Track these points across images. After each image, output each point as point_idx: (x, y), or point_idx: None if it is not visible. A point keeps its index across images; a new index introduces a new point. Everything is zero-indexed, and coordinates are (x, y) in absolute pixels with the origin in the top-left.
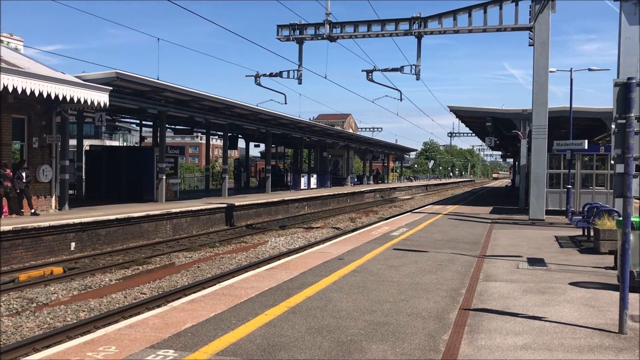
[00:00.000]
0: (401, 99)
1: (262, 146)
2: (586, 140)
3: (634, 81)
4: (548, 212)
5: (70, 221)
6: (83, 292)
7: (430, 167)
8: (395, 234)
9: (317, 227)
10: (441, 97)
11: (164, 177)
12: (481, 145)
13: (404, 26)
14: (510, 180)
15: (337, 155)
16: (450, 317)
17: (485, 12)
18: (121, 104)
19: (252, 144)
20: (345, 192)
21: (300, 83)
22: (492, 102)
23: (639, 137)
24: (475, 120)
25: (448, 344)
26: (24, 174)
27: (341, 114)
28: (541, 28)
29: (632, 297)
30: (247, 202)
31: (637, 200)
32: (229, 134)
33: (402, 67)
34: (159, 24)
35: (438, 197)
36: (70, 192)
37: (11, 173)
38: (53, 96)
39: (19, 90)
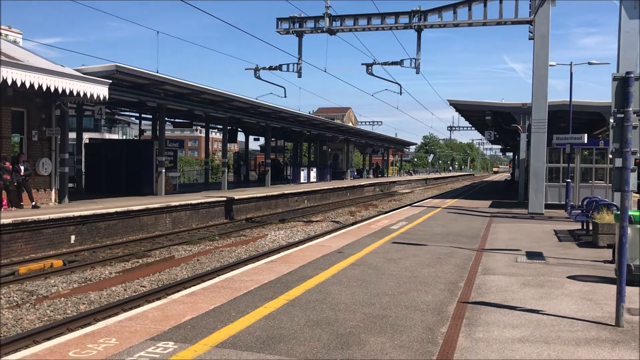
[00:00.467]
0: (401, 93)
1: (262, 140)
2: (586, 135)
3: (632, 75)
4: (547, 206)
5: (70, 214)
6: (83, 284)
7: (429, 161)
8: (395, 228)
9: (316, 221)
10: (441, 90)
11: (164, 170)
12: (481, 139)
13: (404, 19)
14: (509, 174)
15: (337, 149)
16: (448, 310)
17: (485, 5)
18: (121, 97)
19: (251, 138)
20: (345, 185)
21: (300, 76)
22: (492, 96)
23: (638, 131)
24: (475, 114)
25: (446, 337)
26: (22, 167)
27: (341, 107)
28: (541, 22)
29: (629, 290)
30: (247, 196)
31: (637, 194)
32: (228, 128)
33: (402, 60)
34: (159, 17)
35: (437, 190)
36: (70, 185)
37: (10, 166)
38: (52, 89)
39: (19, 83)
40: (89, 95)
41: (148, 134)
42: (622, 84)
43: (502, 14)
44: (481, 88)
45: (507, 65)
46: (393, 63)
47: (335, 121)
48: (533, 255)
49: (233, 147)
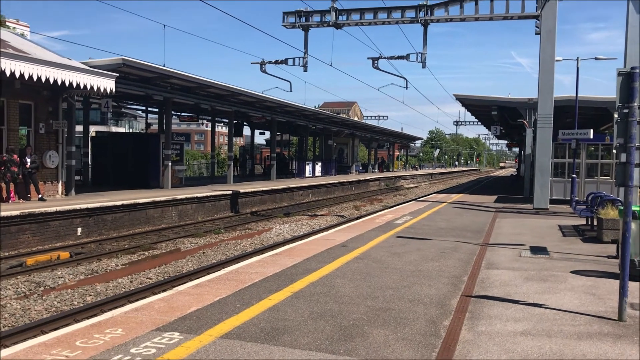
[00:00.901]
0: (407, 87)
1: (267, 134)
2: (592, 130)
3: (637, 71)
4: (552, 201)
5: (77, 206)
6: (89, 276)
7: (435, 155)
8: (399, 222)
9: (321, 215)
10: (447, 85)
11: (170, 163)
12: (487, 134)
13: (411, 14)
14: (515, 170)
15: (342, 143)
16: (451, 303)
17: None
18: (127, 90)
19: (257, 132)
20: (350, 180)
21: (305, 70)
22: (498, 91)
23: None
24: (481, 108)
25: (449, 329)
26: (28, 160)
27: (347, 101)
28: (548, 16)
29: (632, 285)
30: (252, 190)
31: None
32: (234, 122)
33: (408, 54)
34: (165, 11)
35: (443, 185)
36: (77, 178)
37: (18, 159)
38: (60, 82)
39: (26, 76)
40: (95, 89)
41: (155, 127)
42: (627, 79)
43: (508, 9)
44: (487, 83)
45: (514, 60)
46: (399, 57)
47: (341, 115)
48: (537, 250)
49: (239, 141)
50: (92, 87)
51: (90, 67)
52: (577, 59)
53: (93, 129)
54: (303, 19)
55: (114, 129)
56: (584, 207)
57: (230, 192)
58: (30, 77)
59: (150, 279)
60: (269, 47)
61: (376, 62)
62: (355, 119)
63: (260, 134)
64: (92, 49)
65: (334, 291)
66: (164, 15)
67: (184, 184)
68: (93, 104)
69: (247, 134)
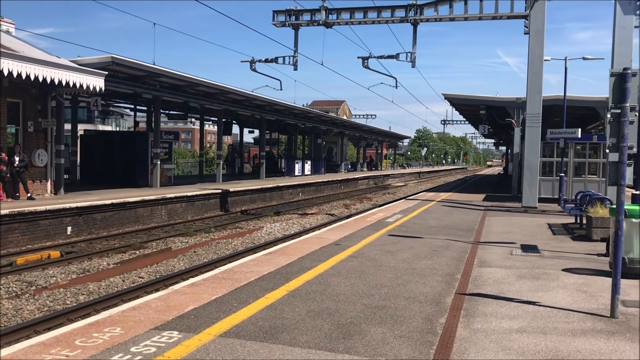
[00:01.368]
0: (396, 87)
1: (256, 132)
2: (579, 129)
3: (629, 72)
4: (541, 200)
5: (67, 205)
6: (81, 275)
7: (423, 154)
8: (390, 221)
9: (311, 214)
10: (435, 84)
11: (159, 162)
12: (474, 133)
13: (400, 13)
14: (502, 168)
15: (331, 142)
16: (446, 301)
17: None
18: (116, 88)
19: (246, 130)
20: (339, 178)
21: (295, 69)
22: (486, 90)
23: (636, 127)
24: (469, 108)
25: (445, 327)
26: (16, 159)
27: (335, 100)
28: (537, 16)
29: (624, 282)
30: (242, 188)
31: (630, 189)
32: (223, 120)
33: (398, 54)
34: (155, 9)
35: (431, 184)
36: (65, 176)
37: (6, 157)
38: (49, 80)
39: (15, 74)
40: (85, 87)
41: (142, 125)
42: (620, 80)
43: (497, 9)
44: (475, 82)
45: (501, 59)
46: (389, 57)
47: (330, 114)
48: (528, 248)
49: (227, 140)
50: (81, 86)
51: (80, 65)
52: (565, 59)
53: (80, 128)
54: (293, 17)
55: (100, 127)
56: (573, 205)
57: (219, 191)
58: (19, 75)
59: (142, 278)
60: (259, 45)
61: (366, 61)
62: (344, 117)
63: (250, 132)
64: (80, 47)
65: (330, 289)
66: (154, 13)
67: (172, 182)
68: (81, 102)
69: (236, 132)
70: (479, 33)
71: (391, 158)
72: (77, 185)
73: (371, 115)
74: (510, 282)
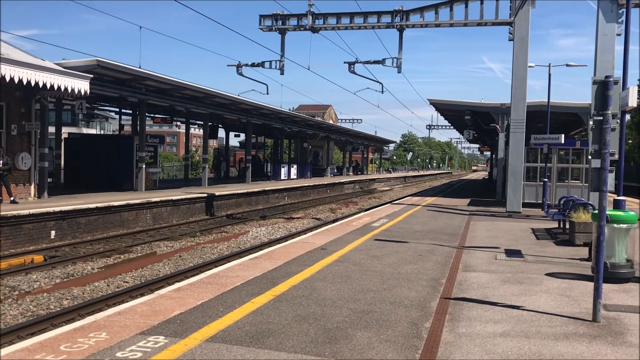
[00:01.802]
0: (382, 92)
1: (242, 136)
2: (563, 135)
3: (611, 79)
4: (525, 205)
5: (51, 209)
6: (65, 280)
7: (408, 159)
8: (376, 225)
9: (297, 218)
10: (421, 89)
11: (144, 166)
12: (459, 138)
13: (386, 19)
14: (487, 173)
15: (318, 146)
16: (431, 305)
17: (466, 6)
18: (101, 92)
19: (232, 134)
20: (325, 182)
21: (282, 74)
22: (470, 95)
23: (617, 134)
24: (454, 113)
25: (430, 331)
26: (0, 162)
27: (322, 105)
28: (521, 23)
29: (606, 287)
30: (227, 192)
31: (612, 194)
32: (209, 124)
33: (384, 59)
34: (141, 12)
35: (416, 188)
36: (49, 180)
37: None
38: (33, 83)
39: None
40: (69, 90)
41: (128, 129)
42: (602, 88)
43: (482, 15)
44: (459, 87)
45: (486, 65)
46: (375, 62)
47: (316, 118)
48: (512, 253)
49: (213, 143)
50: (66, 89)
51: (65, 68)
52: (549, 66)
53: (65, 131)
54: (280, 22)
55: (85, 131)
56: (556, 210)
57: (205, 195)
58: (3, 77)
59: (127, 282)
60: (246, 49)
61: (352, 66)
62: (330, 122)
63: (235, 136)
64: (65, 50)
65: (316, 294)
66: (140, 17)
67: (157, 186)
68: (66, 105)
69: (222, 136)
70: (465, 39)
71: (377, 162)
72: (61, 188)
73: (357, 119)
74: (495, 286)
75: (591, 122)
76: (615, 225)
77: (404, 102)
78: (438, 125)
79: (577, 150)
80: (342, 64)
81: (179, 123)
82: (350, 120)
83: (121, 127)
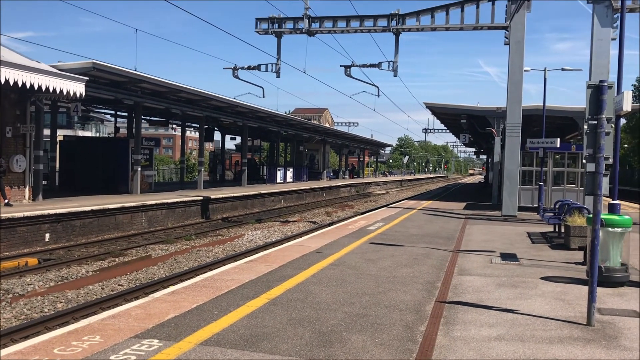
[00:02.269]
0: (378, 95)
1: (238, 139)
2: (558, 139)
3: (605, 84)
4: (520, 209)
5: (45, 212)
6: (60, 283)
7: (404, 162)
8: (372, 228)
9: (293, 221)
10: (417, 93)
11: (139, 168)
12: (455, 142)
13: (382, 22)
14: (483, 177)
15: (314, 150)
16: (426, 309)
17: (462, 10)
18: (97, 94)
19: (228, 137)
20: (321, 186)
21: (278, 77)
22: (467, 99)
23: (612, 138)
24: (450, 117)
25: (425, 335)
26: None
27: (318, 108)
28: (517, 27)
29: (600, 291)
30: (223, 195)
31: (607, 198)
32: (205, 127)
33: (380, 63)
34: (137, 14)
35: (412, 192)
36: (44, 183)
37: None
38: (28, 85)
39: None
40: (65, 92)
41: (123, 131)
42: (596, 92)
43: (478, 19)
44: (456, 91)
45: (482, 69)
46: (371, 65)
47: (312, 122)
48: (507, 257)
49: (209, 146)
50: (61, 91)
51: (60, 70)
52: (545, 70)
53: (60, 133)
54: (276, 25)
55: (80, 133)
56: (552, 214)
57: (200, 198)
58: None
59: (122, 285)
60: (242, 52)
61: (348, 69)
62: (327, 125)
63: (232, 139)
64: (60, 52)
65: (311, 297)
66: (136, 19)
67: (153, 189)
68: (61, 108)
69: (218, 139)
70: (461, 43)
71: (373, 166)
72: (56, 191)
73: (353, 123)
74: (490, 290)
75: (586, 126)
76: (610, 229)
77: (400, 106)
78: (434, 129)
79: (573, 154)
80: (338, 67)
81: (174, 126)
82: (347, 124)
83: (117, 129)
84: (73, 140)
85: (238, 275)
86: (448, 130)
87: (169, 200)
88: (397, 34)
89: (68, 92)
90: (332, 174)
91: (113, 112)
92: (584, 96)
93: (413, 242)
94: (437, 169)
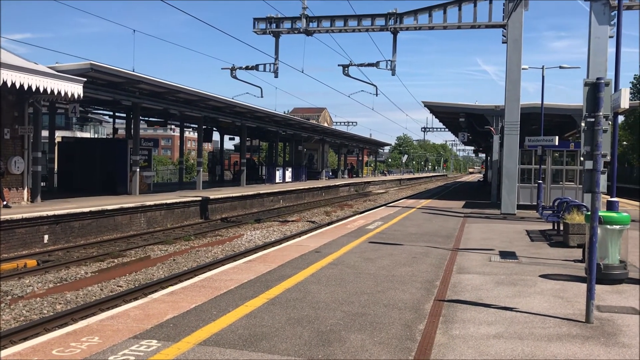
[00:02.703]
0: (377, 94)
1: (237, 139)
2: (557, 137)
3: (602, 81)
4: (519, 207)
5: (44, 213)
6: (59, 284)
7: (403, 161)
8: (371, 228)
9: (292, 221)
10: (415, 92)
11: (138, 169)
12: (454, 140)
13: (380, 22)
14: (482, 175)
15: (312, 149)
16: (425, 307)
17: (460, 9)
18: (95, 95)
19: (226, 137)
20: (320, 185)
21: (276, 76)
22: (465, 98)
23: (609, 135)
24: (449, 115)
25: (424, 333)
26: None
27: (316, 107)
28: (514, 26)
29: (599, 288)
30: (222, 196)
31: (606, 196)
32: (203, 127)
33: (378, 62)
34: (135, 15)
35: (411, 191)
36: (42, 184)
37: None
38: (26, 87)
39: None
40: (63, 94)
41: (122, 132)
42: (593, 90)
43: (476, 18)
44: (454, 90)
45: (480, 67)
46: (369, 65)
47: (311, 121)
48: (506, 255)
49: (207, 147)
50: (59, 92)
51: (58, 71)
52: (543, 68)
53: (57, 134)
54: (274, 25)
55: (79, 134)
56: (551, 212)
57: (199, 198)
58: None
59: (121, 286)
60: (240, 52)
61: (346, 69)
62: (325, 124)
63: (230, 139)
64: (58, 53)
65: (310, 297)
66: (134, 20)
67: (152, 190)
68: (59, 109)
69: (217, 139)
70: (459, 41)
71: (372, 165)
72: (55, 192)
73: (352, 122)
74: (489, 288)
75: (583, 124)
76: (608, 226)
77: (399, 105)
78: (433, 128)
79: (571, 152)
80: (336, 67)
81: (173, 126)
82: (345, 123)
83: (115, 130)
84: (71, 142)
85: (237, 275)
86: (447, 129)
87: (168, 201)
88: (394, 33)
89: (66, 94)
90: (331, 173)
91: (111, 113)
92: (582, 94)
93: (412, 241)
94: (436, 167)
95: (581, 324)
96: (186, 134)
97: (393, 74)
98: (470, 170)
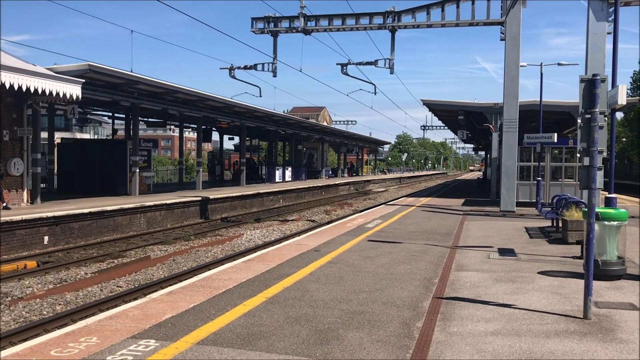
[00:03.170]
0: (375, 93)
1: (236, 139)
2: (555, 134)
3: (598, 77)
4: (518, 204)
5: (43, 215)
6: (58, 285)
7: (403, 159)
8: (370, 226)
9: (292, 220)
10: (414, 90)
11: (138, 170)
12: (454, 138)
13: (378, 20)
14: (482, 173)
15: (312, 148)
16: (423, 305)
17: (458, 6)
18: (93, 96)
19: (226, 137)
20: (320, 184)
21: (275, 76)
22: (463, 95)
23: (606, 131)
24: (448, 113)
25: (422, 331)
26: None
27: (316, 106)
28: (512, 23)
29: (597, 284)
30: (222, 195)
31: (604, 192)
32: (202, 127)
33: (376, 60)
34: (133, 16)
35: (411, 189)
36: (42, 185)
37: None
38: (24, 88)
39: None
40: (61, 95)
41: (121, 133)
42: (589, 86)
43: (474, 15)
44: (453, 88)
45: (479, 65)
46: (367, 63)
47: (310, 120)
48: (505, 252)
49: (207, 147)
50: (57, 94)
51: (56, 73)
52: (541, 65)
53: (57, 136)
54: (272, 24)
55: (78, 135)
56: (549, 209)
57: (199, 198)
58: None
59: (120, 287)
60: (238, 52)
61: (345, 67)
62: (325, 123)
63: (229, 139)
64: (56, 54)
65: (309, 296)
66: (132, 20)
67: (152, 190)
68: (58, 110)
69: (216, 139)
70: (457, 39)
71: (372, 164)
72: (55, 194)
73: (351, 121)
74: (487, 285)
75: (579, 120)
76: (606, 222)
77: (398, 103)
78: (432, 126)
79: (570, 149)
80: (334, 66)
81: (172, 127)
82: (345, 122)
83: (114, 131)
84: (71, 143)
85: (236, 275)
86: (446, 127)
87: (168, 201)
88: (393, 31)
89: (65, 95)
90: (330, 172)
91: (110, 114)
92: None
93: (411, 239)
94: (436, 165)
95: (579, 320)
96: (186, 134)
97: (392, 73)
98: (471, 167)
